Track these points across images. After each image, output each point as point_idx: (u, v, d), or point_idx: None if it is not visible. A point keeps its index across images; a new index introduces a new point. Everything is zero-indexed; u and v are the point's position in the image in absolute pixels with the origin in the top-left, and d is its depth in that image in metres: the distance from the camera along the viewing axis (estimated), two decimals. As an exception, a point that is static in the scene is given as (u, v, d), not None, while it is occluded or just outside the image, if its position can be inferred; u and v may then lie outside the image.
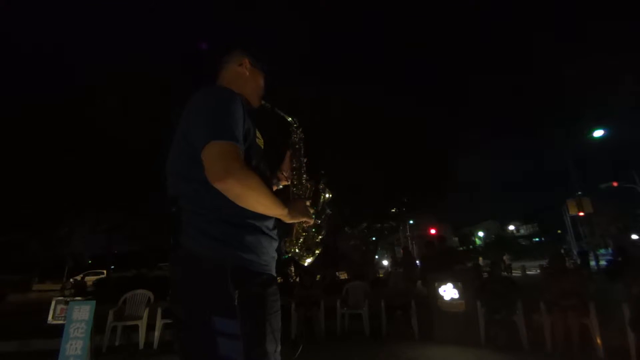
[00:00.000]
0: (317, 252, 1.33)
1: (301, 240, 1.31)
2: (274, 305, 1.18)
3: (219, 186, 1.02)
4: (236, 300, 1.02)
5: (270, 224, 1.18)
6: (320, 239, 1.33)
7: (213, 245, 1.04)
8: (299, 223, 1.29)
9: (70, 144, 10.99)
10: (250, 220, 1.11)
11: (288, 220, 1.20)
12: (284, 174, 1.46)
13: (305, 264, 1.35)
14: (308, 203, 1.29)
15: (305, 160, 1.43)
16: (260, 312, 1.11)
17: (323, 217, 1.35)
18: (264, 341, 1.09)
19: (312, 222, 1.27)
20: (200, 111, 1.12)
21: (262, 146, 1.28)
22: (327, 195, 1.37)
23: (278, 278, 1.28)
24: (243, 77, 1.35)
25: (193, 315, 1.01)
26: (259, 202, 1.08)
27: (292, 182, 1.40)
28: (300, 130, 1.46)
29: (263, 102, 1.41)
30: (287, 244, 1.30)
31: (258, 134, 1.26)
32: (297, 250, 1.31)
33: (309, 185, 1.37)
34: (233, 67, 1.35)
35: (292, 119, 1.44)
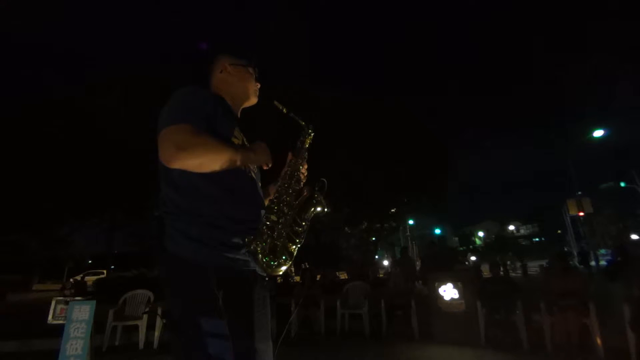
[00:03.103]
0: (283, 264, 1.12)
1: (268, 243, 1.10)
2: (261, 302, 1.18)
3: (176, 164, 1.01)
4: (221, 300, 1.03)
5: (254, 222, 1.15)
6: (294, 249, 1.17)
7: (195, 247, 1.05)
8: (267, 223, 1.13)
9: (71, 144, 10.99)
10: (231, 220, 1.11)
11: (258, 162, 1.21)
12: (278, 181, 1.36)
13: (271, 273, 1.12)
14: (260, 144, 1.21)
15: (304, 168, 1.33)
16: (247, 311, 1.13)
17: (303, 226, 1.20)
18: (253, 339, 1.10)
19: (267, 162, 1.20)
20: (162, 112, 1.13)
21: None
22: (319, 209, 1.23)
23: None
24: (227, 81, 1.35)
25: (181, 317, 1.02)
26: (226, 161, 1.05)
27: (280, 184, 1.27)
28: (311, 137, 1.38)
29: (278, 104, 1.35)
30: (250, 244, 1.08)
31: (237, 134, 1.24)
32: (258, 254, 1.08)
33: (305, 192, 1.26)
34: (216, 75, 1.37)
35: (305, 123, 1.37)
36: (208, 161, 1.04)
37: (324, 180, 1.27)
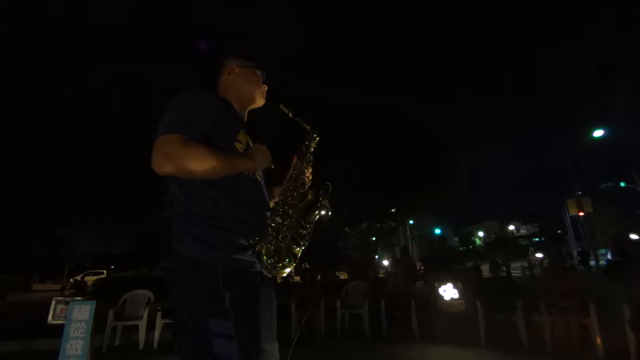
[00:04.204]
0: (287, 266, 1.14)
1: (272, 244, 1.13)
2: (268, 303, 1.19)
3: (166, 173, 1.03)
4: (228, 301, 1.04)
5: (259, 223, 1.16)
6: (298, 251, 1.17)
7: (202, 248, 1.06)
8: (271, 225, 1.15)
9: (71, 144, 10.99)
10: (237, 222, 1.12)
11: (257, 168, 1.21)
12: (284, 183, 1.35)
13: (275, 275, 1.15)
14: (260, 146, 1.22)
15: (308, 172, 1.33)
16: (253, 312, 1.13)
17: (307, 229, 1.21)
18: (259, 340, 1.11)
19: (267, 165, 1.22)
20: (161, 119, 1.14)
21: (242, 150, 1.23)
22: (323, 212, 1.24)
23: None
24: (234, 83, 1.37)
25: (187, 317, 1.03)
26: (214, 168, 1.04)
27: (285, 187, 1.28)
28: (316, 141, 1.38)
29: (284, 109, 1.35)
30: (256, 245, 1.11)
31: (240, 137, 1.24)
32: (263, 255, 1.10)
33: (309, 195, 1.27)
34: (224, 77, 1.38)
35: (310, 127, 1.37)
36: (197, 171, 1.04)
37: (329, 184, 1.27)
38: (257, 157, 1.18)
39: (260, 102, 1.42)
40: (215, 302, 1.02)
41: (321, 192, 1.26)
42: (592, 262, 16.45)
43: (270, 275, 1.18)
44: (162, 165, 1.01)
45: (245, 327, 1.07)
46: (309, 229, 1.21)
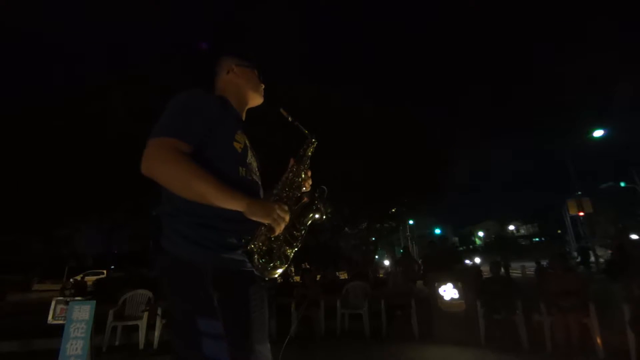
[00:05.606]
0: (279, 267, 1.12)
1: (264, 246, 1.10)
2: (258, 303, 1.18)
3: (148, 175, 1.02)
4: (216, 301, 1.03)
5: (252, 223, 1.13)
6: (290, 253, 1.16)
7: (191, 248, 1.06)
8: (264, 225, 1.12)
9: (72, 144, 11.00)
10: (228, 221, 1.11)
11: (247, 215, 1.06)
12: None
13: (267, 276, 1.12)
14: (285, 208, 1.09)
15: (305, 175, 1.30)
16: (243, 312, 1.12)
17: (301, 231, 1.19)
18: (249, 340, 1.10)
19: (275, 231, 1.08)
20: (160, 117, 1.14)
21: (240, 150, 1.21)
22: (317, 216, 1.22)
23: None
24: (234, 83, 1.37)
25: (178, 316, 1.03)
26: (201, 190, 1.00)
27: (280, 188, 1.24)
28: (314, 146, 1.34)
29: (284, 112, 1.33)
30: (247, 245, 1.09)
31: (239, 137, 1.22)
32: (255, 255, 1.08)
33: (305, 198, 1.25)
34: (223, 76, 1.38)
35: (308, 132, 1.33)
36: (176, 182, 1.02)
37: (324, 187, 1.26)
38: (254, 208, 1.05)
39: (258, 100, 1.43)
40: (203, 302, 1.02)
41: (317, 195, 1.25)
42: (592, 262, 16.42)
43: (261, 276, 1.17)
44: (146, 168, 1.02)
45: (236, 327, 1.07)
46: (303, 232, 1.20)
